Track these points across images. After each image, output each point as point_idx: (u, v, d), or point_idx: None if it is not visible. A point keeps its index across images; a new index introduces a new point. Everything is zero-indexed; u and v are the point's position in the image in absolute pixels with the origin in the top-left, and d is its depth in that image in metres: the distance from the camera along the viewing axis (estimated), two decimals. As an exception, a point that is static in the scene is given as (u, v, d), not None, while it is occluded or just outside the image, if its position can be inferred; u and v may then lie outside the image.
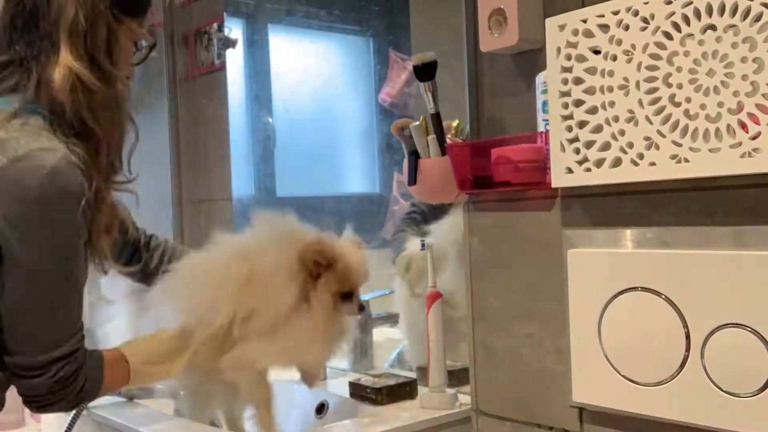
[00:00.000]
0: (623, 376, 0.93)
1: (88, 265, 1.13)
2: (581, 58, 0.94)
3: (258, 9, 2.05)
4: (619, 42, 0.90)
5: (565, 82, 0.95)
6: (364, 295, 1.62)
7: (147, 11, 1.22)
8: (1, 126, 1.05)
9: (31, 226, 1.02)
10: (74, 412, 1.41)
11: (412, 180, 1.18)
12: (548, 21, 0.97)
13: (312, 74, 2.01)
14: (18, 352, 1.07)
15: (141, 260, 1.38)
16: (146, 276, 1.37)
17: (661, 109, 0.86)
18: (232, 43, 1.97)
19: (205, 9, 2.06)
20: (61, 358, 1.07)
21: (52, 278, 1.06)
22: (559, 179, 0.97)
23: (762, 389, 0.82)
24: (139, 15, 1.18)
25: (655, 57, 0.87)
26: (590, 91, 0.93)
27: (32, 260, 1.04)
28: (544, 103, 1.02)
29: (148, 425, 1.35)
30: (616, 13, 0.90)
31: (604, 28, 0.91)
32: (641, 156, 0.88)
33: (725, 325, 0.84)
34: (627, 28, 0.89)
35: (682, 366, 0.88)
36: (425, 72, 1.16)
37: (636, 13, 0.88)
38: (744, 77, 0.80)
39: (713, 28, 0.82)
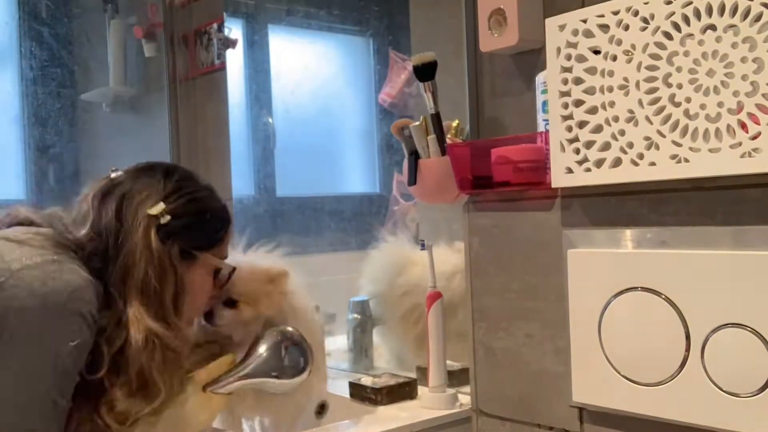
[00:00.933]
0: (623, 376, 0.93)
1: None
2: (581, 58, 0.94)
3: (258, 9, 2.05)
4: (619, 42, 0.90)
5: (565, 82, 0.95)
6: (365, 296, 1.62)
7: (225, 237, 1.16)
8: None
9: (34, 327, 0.96)
10: None
11: (412, 180, 1.18)
12: (548, 21, 0.97)
13: (312, 74, 2.01)
14: None
15: None
16: None
17: (661, 109, 0.86)
18: (232, 43, 1.97)
19: (205, 9, 2.06)
20: None
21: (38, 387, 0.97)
22: (559, 179, 0.97)
23: (762, 389, 0.82)
24: (214, 245, 1.13)
25: (655, 57, 0.87)
26: (590, 91, 0.93)
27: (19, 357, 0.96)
28: (544, 103, 1.02)
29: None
30: (616, 13, 0.90)
31: (604, 28, 0.91)
32: (641, 156, 0.88)
33: (725, 325, 0.84)
34: (627, 28, 0.89)
35: (682, 366, 0.88)
36: (425, 72, 1.16)
37: (636, 13, 0.88)
38: (744, 77, 0.80)
39: (713, 28, 0.82)
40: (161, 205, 1.06)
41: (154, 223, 1.05)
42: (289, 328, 1.18)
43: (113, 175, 1.11)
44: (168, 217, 1.06)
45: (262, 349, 1.15)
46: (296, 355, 1.15)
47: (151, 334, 1.02)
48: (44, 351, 0.96)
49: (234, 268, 1.18)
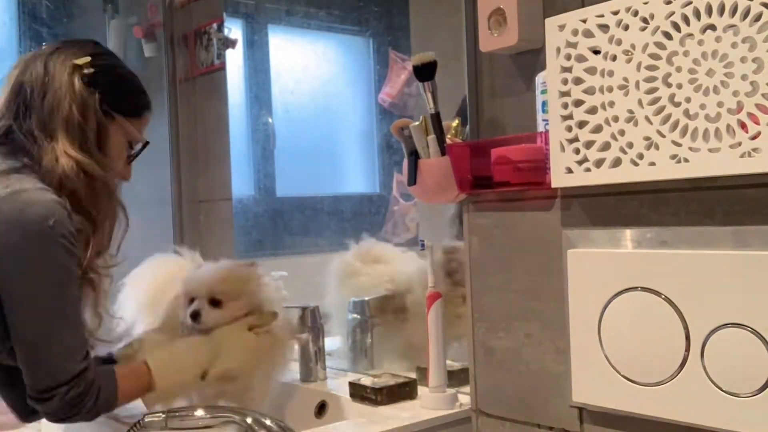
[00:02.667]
0: (623, 376, 0.93)
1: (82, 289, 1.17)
2: (581, 58, 0.94)
3: (258, 9, 2.05)
4: (619, 42, 0.90)
5: (565, 82, 0.95)
6: (365, 296, 1.62)
7: (141, 113, 1.27)
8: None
9: (21, 258, 1.08)
10: None
11: (412, 180, 1.18)
12: (548, 21, 0.97)
13: (312, 74, 2.01)
14: (31, 381, 1.12)
15: None
16: None
17: (661, 109, 0.86)
18: (231, 43, 1.97)
19: (204, 9, 2.06)
20: (69, 381, 1.12)
21: (51, 304, 1.10)
22: (558, 179, 0.97)
23: (762, 389, 0.82)
24: (130, 115, 1.24)
25: (655, 57, 0.87)
26: (590, 91, 0.93)
27: (30, 289, 1.09)
28: (544, 103, 1.02)
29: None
30: (615, 13, 0.90)
31: (604, 28, 0.91)
32: (641, 156, 0.88)
33: (725, 325, 0.84)
34: (627, 28, 0.89)
35: (682, 366, 0.88)
36: (425, 72, 1.15)
37: (636, 13, 0.88)
38: (744, 77, 0.80)
39: (713, 28, 0.82)
40: (88, 58, 1.19)
41: (79, 71, 1.18)
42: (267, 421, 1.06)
43: (43, 45, 1.26)
44: (92, 69, 1.18)
45: None
46: None
47: (76, 163, 1.14)
48: (46, 278, 1.09)
49: (147, 142, 1.29)
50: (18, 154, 1.15)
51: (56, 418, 1.15)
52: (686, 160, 0.85)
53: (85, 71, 1.18)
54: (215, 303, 1.34)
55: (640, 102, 0.88)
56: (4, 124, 1.18)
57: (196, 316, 1.33)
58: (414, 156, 1.18)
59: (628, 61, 0.89)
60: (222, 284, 1.35)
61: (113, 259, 1.24)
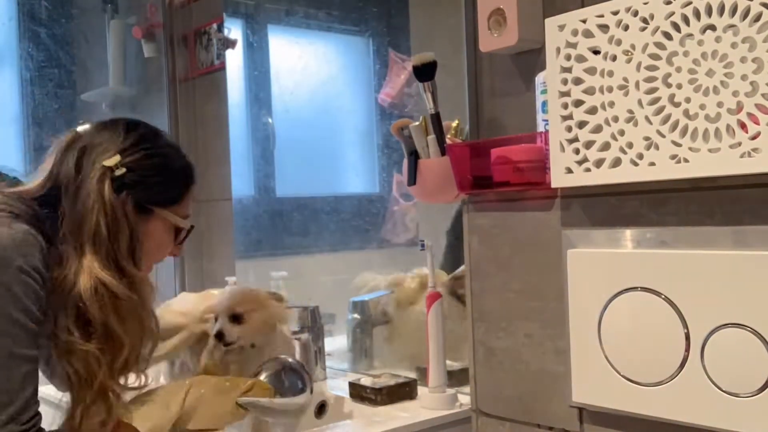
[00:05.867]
0: (623, 376, 0.93)
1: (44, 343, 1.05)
2: (581, 58, 0.94)
3: (257, 9, 2.05)
4: (619, 42, 0.90)
5: (565, 82, 0.95)
6: (365, 296, 1.63)
7: (182, 196, 1.16)
8: None
9: None
10: None
11: (412, 180, 1.18)
12: (548, 21, 0.97)
13: (311, 74, 2.01)
14: None
15: None
16: None
17: (661, 109, 0.86)
18: (231, 44, 1.97)
19: (204, 9, 2.06)
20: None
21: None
22: (558, 179, 0.97)
23: (762, 389, 0.82)
24: (172, 203, 1.14)
25: (655, 57, 0.87)
26: (590, 91, 0.93)
27: None
28: (544, 103, 1.02)
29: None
30: (615, 13, 0.90)
31: (604, 28, 0.91)
32: (641, 156, 0.88)
33: (725, 325, 0.84)
34: (626, 28, 0.89)
35: (681, 366, 0.88)
36: (425, 72, 1.15)
37: (635, 13, 0.88)
38: (743, 77, 0.80)
39: (713, 28, 0.82)
40: (117, 157, 1.08)
41: (109, 174, 1.07)
42: (289, 359, 1.32)
43: (80, 128, 1.13)
44: (123, 170, 1.08)
45: (263, 376, 1.26)
46: (295, 379, 1.27)
47: (99, 283, 1.04)
48: None
49: (192, 227, 1.21)
50: (48, 221, 1.05)
51: None
52: (686, 160, 0.85)
53: (116, 173, 1.07)
54: (236, 318, 1.38)
55: (640, 102, 0.88)
56: (50, 186, 1.08)
57: (219, 335, 1.37)
58: (414, 156, 1.18)
59: (628, 61, 0.89)
60: (238, 300, 1.40)
61: (139, 379, 1.14)
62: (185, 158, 1.17)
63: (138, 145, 1.12)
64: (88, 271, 1.04)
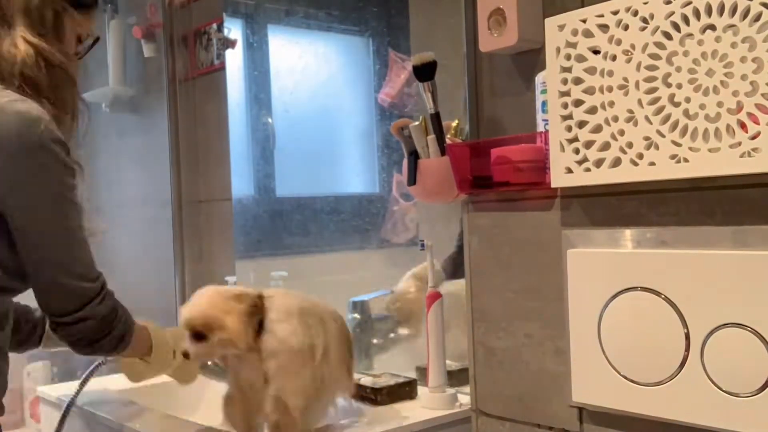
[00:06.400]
0: (623, 376, 0.93)
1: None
2: (580, 58, 0.94)
3: (257, 9, 2.05)
4: (619, 42, 0.90)
5: (565, 82, 0.95)
6: (365, 296, 1.63)
7: (91, 7, 1.28)
8: None
9: (21, 173, 1.08)
10: (67, 404, 1.45)
11: (412, 180, 1.18)
12: (547, 21, 0.97)
13: (311, 74, 2.01)
14: (60, 304, 1.12)
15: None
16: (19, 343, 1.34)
17: (661, 109, 0.86)
18: (231, 44, 1.97)
19: (204, 9, 2.06)
20: (100, 292, 1.14)
21: (57, 222, 1.11)
22: (558, 179, 0.97)
23: (762, 389, 0.82)
24: (81, 8, 1.25)
25: (655, 57, 0.87)
26: (590, 91, 0.93)
27: (32, 207, 1.09)
28: (544, 103, 1.02)
29: (136, 421, 1.36)
30: (615, 13, 0.90)
31: (604, 28, 0.91)
32: (641, 156, 0.88)
33: (725, 325, 0.84)
34: (626, 28, 0.89)
35: (681, 366, 0.88)
36: (425, 72, 1.16)
37: (635, 13, 0.88)
38: (743, 77, 0.80)
39: (712, 28, 0.82)
40: None
41: None
42: None
43: None
44: None
45: None
46: None
47: (36, 50, 1.14)
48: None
49: (98, 37, 1.32)
50: None
51: (87, 342, 1.14)
52: (686, 160, 0.85)
53: None
54: (198, 336, 1.21)
55: (639, 102, 0.88)
56: None
57: (186, 354, 1.23)
58: (414, 156, 1.18)
59: (628, 61, 0.89)
60: (200, 316, 1.21)
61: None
62: None
63: None
64: (22, 40, 1.14)
